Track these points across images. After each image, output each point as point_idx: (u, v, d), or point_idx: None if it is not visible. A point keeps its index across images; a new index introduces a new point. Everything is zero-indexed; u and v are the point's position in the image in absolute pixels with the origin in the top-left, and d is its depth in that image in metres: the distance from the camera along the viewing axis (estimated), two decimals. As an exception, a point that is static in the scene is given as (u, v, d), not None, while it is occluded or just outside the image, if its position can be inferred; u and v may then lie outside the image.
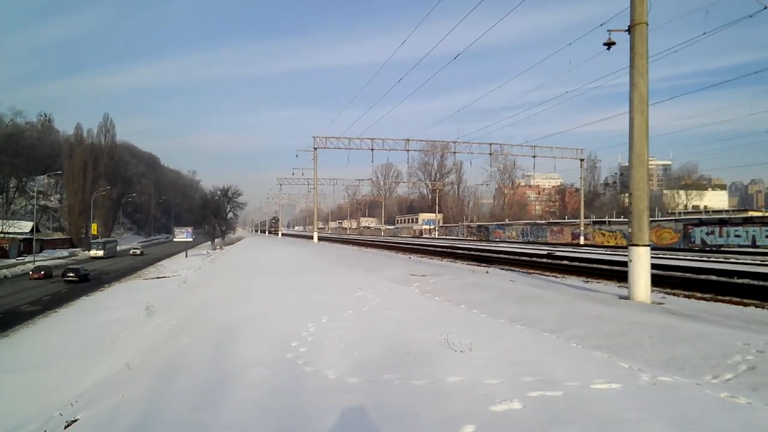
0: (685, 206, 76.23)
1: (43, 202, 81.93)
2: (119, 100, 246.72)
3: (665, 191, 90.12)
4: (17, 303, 29.42)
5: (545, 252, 26.24)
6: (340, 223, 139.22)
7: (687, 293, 11.02)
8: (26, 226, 64.74)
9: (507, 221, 66.83)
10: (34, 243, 57.18)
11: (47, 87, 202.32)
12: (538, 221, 64.46)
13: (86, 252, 67.41)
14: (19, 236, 61.10)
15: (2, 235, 58.89)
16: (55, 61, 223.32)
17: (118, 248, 76.53)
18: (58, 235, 75.07)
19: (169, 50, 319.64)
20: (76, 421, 5.74)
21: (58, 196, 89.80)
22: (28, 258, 54.60)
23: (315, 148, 42.60)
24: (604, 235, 46.49)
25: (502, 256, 24.12)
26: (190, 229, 68.20)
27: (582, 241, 45.16)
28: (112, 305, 25.50)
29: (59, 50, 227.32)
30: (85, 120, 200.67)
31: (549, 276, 15.50)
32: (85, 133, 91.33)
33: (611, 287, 11.91)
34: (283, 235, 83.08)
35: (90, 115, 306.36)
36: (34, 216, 66.37)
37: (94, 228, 73.70)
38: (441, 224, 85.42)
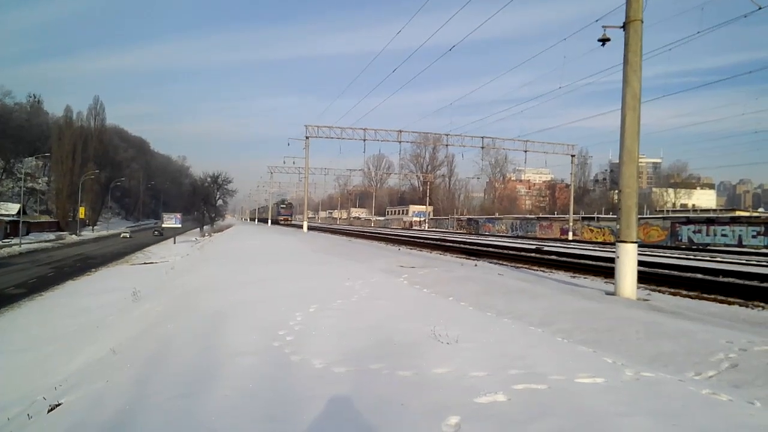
0: (674, 204, 77.12)
1: (31, 185, 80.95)
2: (110, 83, 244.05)
3: (654, 189, 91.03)
4: (2, 286, 29.09)
5: (534, 247, 26.42)
6: (331, 212, 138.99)
7: (672, 290, 11.15)
8: (13, 208, 63.90)
9: (497, 215, 67.11)
10: (20, 225, 56.56)
11: (37, 68, 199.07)
12: (528, 216, 64.82)
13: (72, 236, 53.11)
14: (5, 218, 60.37)
15: (-12, 216, 58.21)
16: (45, 42, 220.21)
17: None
18: (45, 218, 74.28)
19: (162, 35, 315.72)
20: (59, 405, 5.69)
21: (46, 178, 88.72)
22: (14, 240, 53.97)
23: (307, 137, 42.39)
24: (592, 231, 46.82)
25: (491, 249, 24.24)
26: (178, 215, 67.23)
27: (570, 236, 45.49)
28: (98, 290, 25.25)
29: (50, 31, 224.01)
30: (74, 102, 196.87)
31: (537, 270, 15.61)
32: (74, 115, 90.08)
33: (598, 283, 12.02)
34: (279, 223, 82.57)
35: (80, 97, 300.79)
36: (21, 198, 65.51)
37: (81, 212, 72.81)
38: (431, 216, 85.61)
